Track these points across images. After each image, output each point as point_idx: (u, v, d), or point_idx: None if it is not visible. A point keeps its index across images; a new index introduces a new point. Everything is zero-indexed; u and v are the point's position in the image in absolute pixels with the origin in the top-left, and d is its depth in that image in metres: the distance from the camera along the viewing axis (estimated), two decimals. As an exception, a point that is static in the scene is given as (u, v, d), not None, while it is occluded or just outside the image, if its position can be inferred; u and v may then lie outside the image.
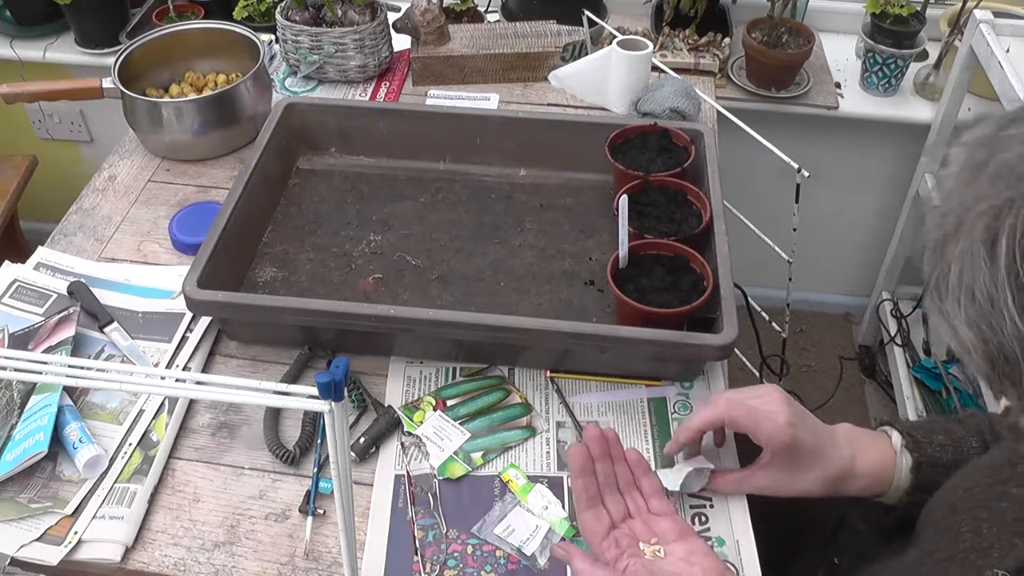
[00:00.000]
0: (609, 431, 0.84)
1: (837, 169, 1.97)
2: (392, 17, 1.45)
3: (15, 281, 1.07)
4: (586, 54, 1.45)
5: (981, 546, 0.66)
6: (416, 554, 0.82)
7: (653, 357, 0.95)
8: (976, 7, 1.61)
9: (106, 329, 1.01)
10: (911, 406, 1.85)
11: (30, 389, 0.91)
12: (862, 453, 0.82)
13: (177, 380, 0.74)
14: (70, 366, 0.63)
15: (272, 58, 1.50)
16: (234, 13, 1.68)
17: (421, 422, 0.93)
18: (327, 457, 0.87)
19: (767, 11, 1.69)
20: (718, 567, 0.74)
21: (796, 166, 1.13)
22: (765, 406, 0.79)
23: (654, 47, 1.44)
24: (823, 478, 0.81)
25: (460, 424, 0.93)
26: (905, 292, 2.07)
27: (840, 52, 1.90)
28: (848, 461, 0.81)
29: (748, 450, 0.87)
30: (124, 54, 1.30)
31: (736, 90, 1.76)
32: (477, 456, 0.90)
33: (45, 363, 0.67)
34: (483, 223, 1.15)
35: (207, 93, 1.28)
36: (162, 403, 0.93)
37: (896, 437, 0.84)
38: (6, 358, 0.62)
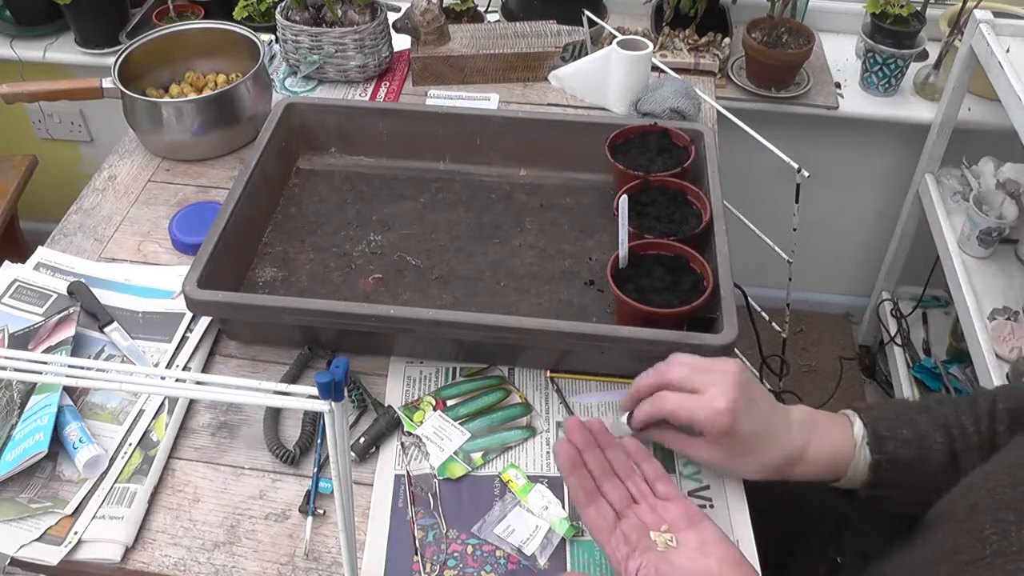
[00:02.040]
0: (592, 421, 0.83)
1: (837, 169, 1.97)
2: (392, 17, 1.45)
3: (15, 281, 1.07)
4: (586, 54, 1.45)
5: (1010, 550, 0.64)
6: (416, 554, 0.82)
7: (653, 357, 0.95)
8: (976, 7, 1.61)
9: (106, 329, 1.01)
10: (911, 406, 1.85)
11: (30, 389, 0.91)
12: (817, 439, 0.80)
13: (177, 380, 0.74)
14: (70, 366, 0.63)
15: (272, 58, 1.50)
16: (234, 13, 1.68)
17: (421, 422, 0.93)
18: (327, 457, 0.87)
19: (767, 11, 1.69)
20: (733, 555, 0.72)
21: (796, 166, 1.13)
22: (711, 387, 0.77)
23: (654, 47, 1.44)
24: (764, 465, 0.79)
25: (460, 424, 0.93)
26: (905, 292, 2.07)
27: (840, 52, 1.90)
28: (797, 448, 0.79)
29: None
30: (124, 54, 1.30)
31: (736, 90, 1.77)
32: (477, 456, 0.90)
33: (45, 363, 0.67)
34: (483, 223, 1.15)
35: (207, 93, 1.28)
36: (162, 403, 0.93)
37: (859, 428, 0.81)
38: (6, 358, 0.62)
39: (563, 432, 0.85)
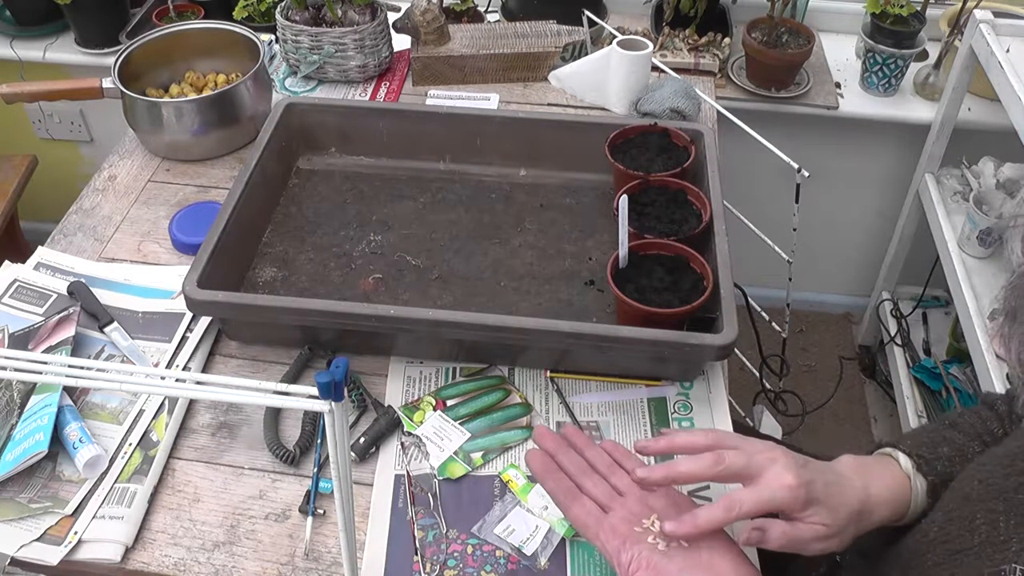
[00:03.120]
0: (566, 427, 0.82)
1: (837, 169, 1.97)
2: (392, 17, 1.45)
3: (15, 281, 1.07)
4: (586, 54, 1.45)
5: (998, 540, 0.64)
6: (416, 554, 0.82)
7: (653, 357, 0.95)
8: (976, 7, 1.61)
9: (106, 329, 1.01)
10: (911, 406, 1.85)
11: (30, 389, 0.91)
12: (874, 481, 0.77)
13: (177, 380, 0.74)
14: (70, 366, 0.63)
15: (272, 58, 1.50)
16: (234, 13, 1.68)
17: (421, 422, 0.93)
18: (327, 457, 0.87)
19: (767, 11, 1.69)
20: (723, 543, 0.72)
21: (796, 166, 1.13)
22: (766, 469, 0.73)
23: (654, 47, 1.44)
24: (850, 512, 0.74)
25: (460, 424, 0.93)
26: (905, 292, 2.07)
27: (840, 52, 1.90)
28: (863, 491, 0.76)
29: None
30: (124, 54, 1.30)
31: (736, 90, 1.77)
32: (477, 456, 0.90)
33: (45, 363, 0.67)
34: (483, 223, 1.15)
35: (207, 93, 1.28)
36: (162, 403, 0.93)
37: (904, 460, 0.79)
38: (6, 358, 0.62)
39: (534, 443, 0.84)
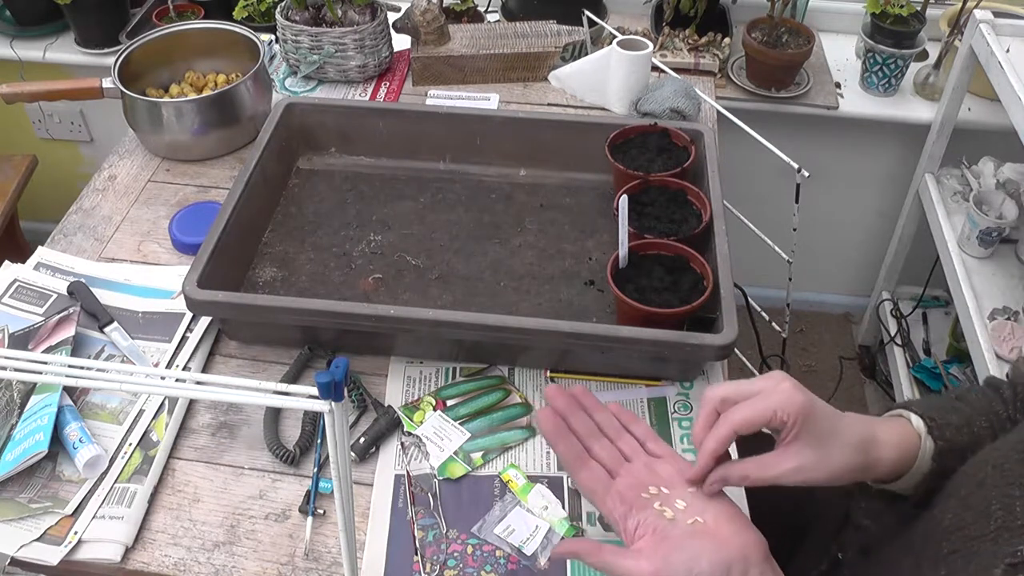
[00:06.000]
0: (576, 387, 0.81)
1: (837, 169, 1.97)
2: (392, 17, 1.45)
3: (15, 281, 1.07)
4: (586, 54, 1.45)
5: (1015, 524, 0.64)
6: (416, 554, 0.82)
7: (653, 357, 0.95)
8: (976, 7, 1.61)
9: (106, 329, 1.01)
10: (911, 406, 1.85)
11: (30, 389, 0.91)
12: (879, 427, 0.77)
13: (177, 380, 0.74)
14: (70, 366, 0.63)
15: (272, 58, 1.50)
16: (234, 13, 1.68)
17: (421, 422, 0.93)
18: (327, 457, 0.87)
19: (767, 11, 1.69)
20: (728, 510, 0.71)
21: (796, 166, 1.13)
22: (766, 384, 0.73)
23: (654, 47, 1.44)
24: (847, 447, 0.73)
25: (460, 424, 0.93)
26: (905, 292, 2.07)
27: (840, 52, 1.90)
28: (868, 430, 0.75)
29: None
30: (124, 54, 1.30)
31: (736, 90, 1.77)
32: (477, 456, 0.90)
33: (45, 363, 0.67)
34: (483, 223, 1.15)
35: (207, 93, 1.28)
36: (162, 403, 0.93)
37: (917, 420, 0.78)
38: (6, 358, 0.62)
39: (544, 401, 0.83)
